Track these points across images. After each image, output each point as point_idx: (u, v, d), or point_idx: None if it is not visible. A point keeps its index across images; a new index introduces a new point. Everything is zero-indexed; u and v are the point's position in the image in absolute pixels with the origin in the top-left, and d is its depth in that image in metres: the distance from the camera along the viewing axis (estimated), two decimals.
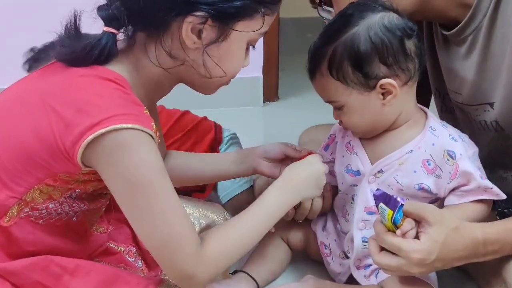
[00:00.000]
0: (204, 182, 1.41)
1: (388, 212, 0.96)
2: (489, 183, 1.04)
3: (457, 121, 1.18)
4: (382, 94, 1.03)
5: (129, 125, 0.84)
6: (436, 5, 1.03)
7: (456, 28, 1.04)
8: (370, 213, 1.11)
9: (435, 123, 1.08)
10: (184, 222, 0.90)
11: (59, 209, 0.99)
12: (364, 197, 1.11)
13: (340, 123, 1.13)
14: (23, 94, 0.95)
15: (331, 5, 1.11)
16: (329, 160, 1.21)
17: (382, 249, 1.00)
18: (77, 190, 0.97)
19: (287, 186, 1.04)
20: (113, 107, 0.85)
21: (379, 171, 1.09)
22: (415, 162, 1.06)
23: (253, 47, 0.98)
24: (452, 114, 1.21)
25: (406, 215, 0.97)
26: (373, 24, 1.00)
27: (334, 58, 1.01)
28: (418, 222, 0.97)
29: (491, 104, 1.06)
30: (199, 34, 0.90)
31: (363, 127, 1.09)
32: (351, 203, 1.16)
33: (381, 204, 0.97)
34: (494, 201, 1.07)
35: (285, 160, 1.19)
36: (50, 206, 0.97)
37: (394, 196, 0.96)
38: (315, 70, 1.05)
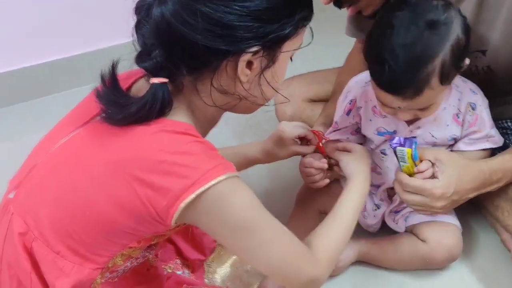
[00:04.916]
0: None
1: (407, 151, 1.07)
2: (494, 132, 1.18)
3: None
4: None
5: (222, 177, 0.81)
6: None
7: None
8: None
9: (456, 79, 1.14)
10: (292, 243, 0.91)
11: (135, 263, 0.97)
12: None
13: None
14: (83, 162, 0.87)
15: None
16: (352, 124, 1.25)
17: None
18: (155, 243, 0.96)
19: (359, 179, 1.09)
20: (201, 163, 0.81)
21: (416, 128, 1.16)
22: (447, 117, 1.14)
23: (291, 59, 0.94)
24: None
25: (422, 159, 1.09)
26: (458, 19, 1.02)
27: (444, 68, 1.01)
28: (433, 164, 1.10)
29: (483, 52, 1.14)
30: (249, 65, 0.86)
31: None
32: (382, 157, 1.23)
33: (398, 148, 1.08)
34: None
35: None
36: (128, 264, 0.95)
37: (405, 138, 1.09)
38: (422, 88, 1.02)
